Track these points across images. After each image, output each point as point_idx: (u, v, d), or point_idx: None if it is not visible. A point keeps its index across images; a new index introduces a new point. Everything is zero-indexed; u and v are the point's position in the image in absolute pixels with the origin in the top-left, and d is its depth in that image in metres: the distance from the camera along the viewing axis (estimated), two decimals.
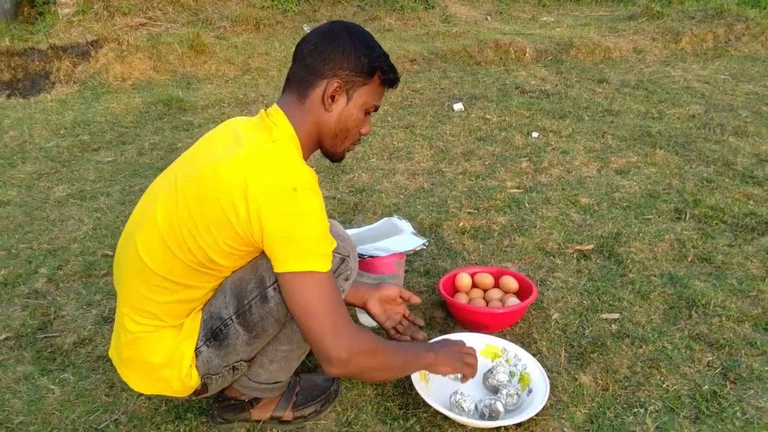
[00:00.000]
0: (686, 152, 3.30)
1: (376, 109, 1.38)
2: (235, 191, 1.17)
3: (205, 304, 1.34)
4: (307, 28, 6.78)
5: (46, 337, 1.87)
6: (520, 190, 2.88)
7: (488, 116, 4.07)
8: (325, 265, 1.20)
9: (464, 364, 1.48)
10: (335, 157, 1.42)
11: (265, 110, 1.33)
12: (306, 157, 1.35)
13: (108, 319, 1.94)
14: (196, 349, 1.32)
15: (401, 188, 2.94)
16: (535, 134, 3.68)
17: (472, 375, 1.51)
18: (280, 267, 1.19)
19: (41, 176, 3.25)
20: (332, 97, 1.30)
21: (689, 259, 2.22)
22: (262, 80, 5.36)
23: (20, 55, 5.69)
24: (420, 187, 2.96)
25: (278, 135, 1.26)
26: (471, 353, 1.52)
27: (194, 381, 1.34)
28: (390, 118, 4.09)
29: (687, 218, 2.53)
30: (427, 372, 1.58)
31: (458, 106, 4.29)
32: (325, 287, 1.20)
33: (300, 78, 1.31)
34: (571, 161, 3.23)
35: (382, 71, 1.33)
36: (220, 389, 1.45)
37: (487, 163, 3.25)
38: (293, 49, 1.34)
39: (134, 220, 1.36)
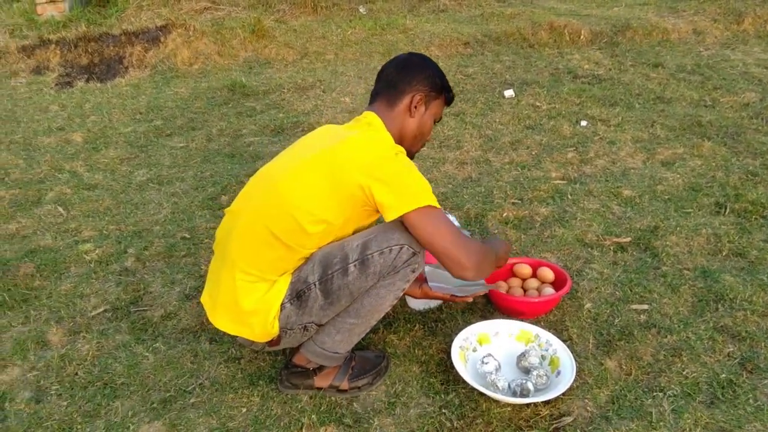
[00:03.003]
0: (735, 144, 3.34)
1: (440, 119, 1.81)
2: (352, 163, 1.51)
3: (295, 270, 1.62)
4: (363, 10, 6.93)
5: (138, 310, 2.18)
6: (564, 181, 3.01)
7: (538, 103, 4.17)
8: (436, 202, 1.51)
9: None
10: (409, 156, 1.73)
11: (359, 116, 1.70)
12: None
13: (189, 297, 2.23)
14: (281, 304, 1.60)
15: (450, 178, 3.12)
16: (583, 123, 3.77)
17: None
18: (402, 209, 1.48)
19: (123, 161, 3.59)
20: (416, 106, 1.69)
21: (723, 254, 2.33)
22: (320, 64, 5.58)
23: (96, 40, 6.09)
24: (468, 176, 3.14)
25: (375, 127, 1.66)
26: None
27: (275, 330, 1.63)
28: None
29: (727, 212, 2.62)
30: (465, 352, 1.81)
31: (509, 93, 4.40)
32: (443, 216, 1.54)
33: (388, 93, 1.70)
34: (617, 152, 3.33)
35: (447, 90, 1.77)
36: (290, 346, 1.74)
37: (533, 152, 3.38)
38: (377, 73, 1.75)
39: (245, 196, 1.69)
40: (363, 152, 1.53)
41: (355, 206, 1.54)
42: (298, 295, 1.60)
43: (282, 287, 1.61)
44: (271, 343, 1.67)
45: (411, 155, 1.73)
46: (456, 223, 2.16)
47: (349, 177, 1.50)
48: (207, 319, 1.76)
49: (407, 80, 1.68)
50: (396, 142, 1.67)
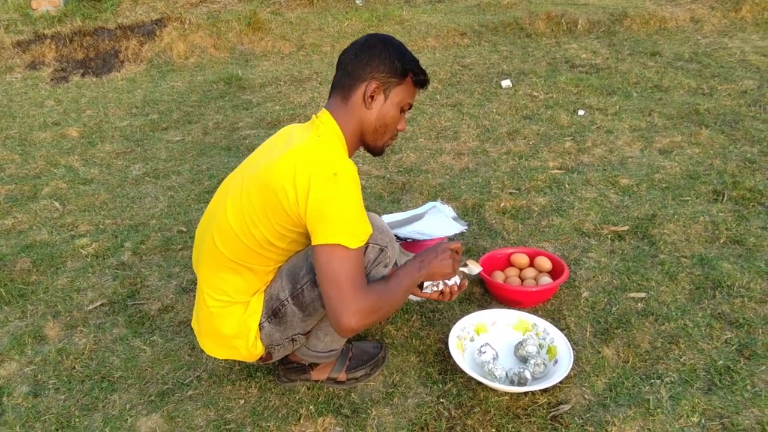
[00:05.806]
0: (733, 131, 3.33)
1: (410, 107, 1.61)
2: (286, 180, 1.39)
3: (266, 287, 1.58)
4: (359, 2, 6.90)
5: (135, 304, 2.17)
6: (562, 171, 3.00)
7: (535, 93, 4.15)
8: (353, 242, 1.36)
9: (453, 270, 1.56)
10: (376, 151, 1.63)
11: (316, 115, 1.55)
12: (351, 153, 1.57)
13: (186, 290, 2.22)
14: (259, 324, 1.57)
15: (447, 168, 3.12)
16: (581, 112, 3.76)
17: (453, 275, 1.59)
18: (315, 240, 1.38)
19: (118, 155, 3.58)
20: (372, 97, 1.51)
21: (721, 241, 2.33)
22: (316, 56, 5.56)
23: (91, 35, 6.06)
24: (465, 167, 3.13)
25: (323, 131, 1.49)
26: (457, 256, 1.58)
27: (259, 350, 1.60)
28: (438, 96, 4.23)
29: (724, 200, 2.62)
30: (463, 341, 1.80)
31: (506, 83, 4.38)
32: (349, 261, 1.36)
33: (343, 83, 1.53)
34: (614, 141, 3.32)
35: (413, 73, 1.55)
36: (284, 356, 1.70)
37: (531, 142, 3.37)
38: (336, 60, 1.56)
39: (209, 214, 1.61)
40: (297, 169, 1.38)
41: (289, 225, 1.43)
42: (274, 313, 1.55)
43: (256, 307, 1.56)
44: (263, 359, 1.64)
45: (379, 150, 1.61)
46: (452, 214, 2.15)
47: (277, 194, 1.40)
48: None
49: (362, 67, 1.50)
50: (356, 139, 1.56)
